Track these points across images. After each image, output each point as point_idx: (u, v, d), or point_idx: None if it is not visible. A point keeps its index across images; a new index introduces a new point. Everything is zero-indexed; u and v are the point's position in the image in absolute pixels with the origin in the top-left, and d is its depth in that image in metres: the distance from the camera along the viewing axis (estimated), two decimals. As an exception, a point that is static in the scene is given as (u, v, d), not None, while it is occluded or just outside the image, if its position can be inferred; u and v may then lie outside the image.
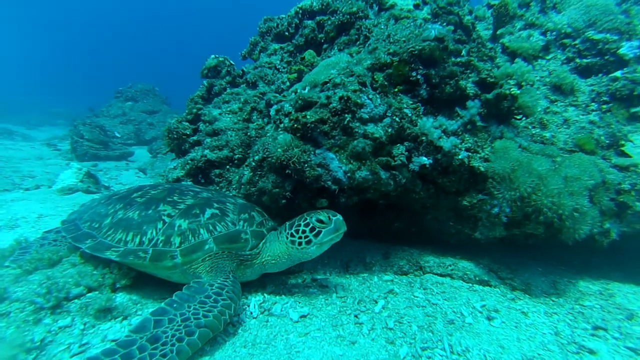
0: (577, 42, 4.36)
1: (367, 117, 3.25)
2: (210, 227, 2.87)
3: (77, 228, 3.12)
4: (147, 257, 2.68)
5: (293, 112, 3.41)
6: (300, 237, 2.86)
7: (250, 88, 5.30)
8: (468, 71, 3.79)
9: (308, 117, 3.23)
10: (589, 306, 3.34)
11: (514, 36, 4.42)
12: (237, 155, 4.22)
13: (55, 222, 4.84)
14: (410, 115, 3.44)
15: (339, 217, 2.89)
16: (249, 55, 6.20)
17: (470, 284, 3.52)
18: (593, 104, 4.02)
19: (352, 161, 3.19)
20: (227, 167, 4.22)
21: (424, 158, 3.36)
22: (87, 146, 10.23)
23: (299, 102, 3.36)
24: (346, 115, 3.21)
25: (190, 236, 2.80)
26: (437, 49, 3.48)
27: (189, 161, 4.36)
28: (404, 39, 3.63)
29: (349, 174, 3.16)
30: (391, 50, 3.57)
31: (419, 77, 3.53)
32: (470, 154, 3.45)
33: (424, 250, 4.02)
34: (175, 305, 2.40)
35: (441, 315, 2.91)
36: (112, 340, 2.37)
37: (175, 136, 4.69)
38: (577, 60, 4.32)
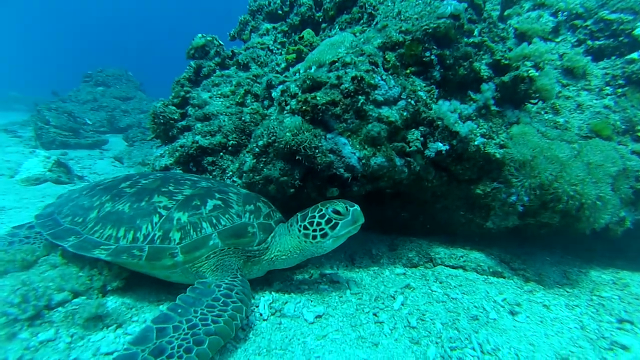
0: (589, 22, 4.22)
1: (382, 99, 3.00)
2: (214, 220, 2.55)
3: (56, 223, 2.73)
4: (143, 256, 2.34)
5: (300, 94, 3.11)
6: (315, 230, 2.59)
7: (241, 70, 4.94)
8: (481, 52, 3.59)
9: (318, 98, 2.94)
10: (607, 297, 3.25)
11: (522, 17, 4.25)
12: (232, 142, 3.89)
13: (21, 215, 4.36)
14: (425, 98, 3.21)
15: (357, 207, 2.64)
16: (238, 35, 5.81)
17: (485, 276, 3.36)
18: (607, 87, 3.90)
19: (366, 147, 2.94)
20: (221, 154, 3.89)
21: (440, 144, 3.15)
22: (54, 133, 9.48)
23: (307, 82, 3.06)
24: (360, 97, 2.94)
25: (191, 231, 2.48)
26: (453, 27, 3.25)
27: (179, 148, 3.99)
28: (416, 16, 3.38)
29: (363, 161, 2.91)
30: (403, 28, 3.31)
31: (432, 57, 3.29)
32: (485, 140, 3.26)
33: (432, 241, 3.84)
34: (180, 310, 2.09)
35: (463, 311, 2.73)
36: (107, 354, 2.03)
37: (161, 121, 4.28)
38: (589, 42, 4.18)
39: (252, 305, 2.61)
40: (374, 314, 2.62)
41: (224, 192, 2.81)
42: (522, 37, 4.19)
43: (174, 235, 2.44)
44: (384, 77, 3.08)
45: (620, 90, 3.91)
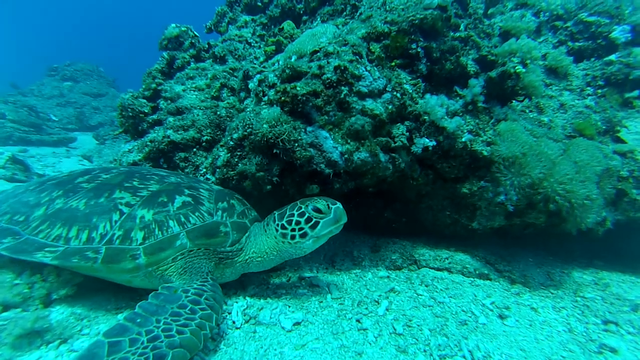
0: (569, 24, 4.22)
1: (366, 90, 2.83)
2: (182, 219, 2.31)
3: (-13, 222, 2.37)
4: (99, 258, 2.07)
5: (279, 84, 2.90)
6: (293, 230, 2.38)
7: (218, 63, 4.69)
8: (467, 47, 3.48)
9: (298, 88, 2.74)
10: (591, 298, 3.18)
11: (505, 15, 4.20)
12: (206, 137, 3.64)
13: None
14: (411, 91, 3.06)
15: (339, 205, 2.45)
16: (215, 27, 5.55)
17: (472, 279, 3.23)
18: (588, 88, 3.88)
19: (349, 141, 2.76)
20: (194, 150, 3.64)
21: (427, 140, 3.00)
22: (11, 128, 8.83)
23: (287, 71, 2.86)
24: (342, 87, 2.77)
25: (156, 230, 2.22)
26: (440, 19, 3.13)
27: (148, 143, 3.71)
28: (402, 6, 3.24)
29: (346, 156, 2.73)
30: (389, 19, 3.16)
31: (419, 50, 3.15)
32: (472, 136, 3.14)
33: (416, 243, 3.69)
34: (139, 320, 1.83)
35: (451, 316, 2.58)
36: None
37: (130, 114, 3.98)
38: (569, 43, 4.18)
39: (224, 312, 2.38)
40: (357, 320, 2.43)
41: (195, 188, 2.57)
42: (506, 35, 4.12)
43: (136, 234, 2.18)
44: (368, 68, 2.91)
45: (600, 91, 3.90)
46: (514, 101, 3.48)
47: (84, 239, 2.13)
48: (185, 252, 2.27)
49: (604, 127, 3.63)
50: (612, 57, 3.97)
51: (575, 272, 3.81)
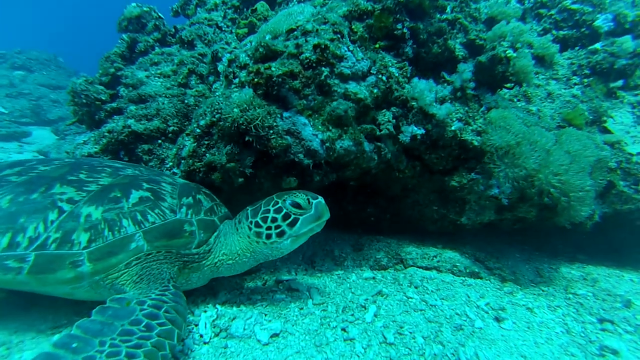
0: (553, 12, 4.10)
1: (349, 72, 2.55)
2: (139, 217, 1.96)
3: None
4: (25, 268, 1.70)
5: (251, 64, 2.58)
6: (269, 228, 2.08)
7: (185, 48, 4.29)
8: (454, 31, 3.26)
9: (273, 69, 2.43)
10: (583, 295, 3.04)
11: (490, 2, 4.02)
12: (172, 128, 3.29)
13: None
14: (397, 75, 2.81)
15: (321, 200, 2.17)
16: (182, 10, 5.12)
17: (463, 278, 3.03)
18: (575, 77, 3.76)
19: (330, 128, 2.48)
20: (159, 141, 3.27)
21: (415, 127, 2.76)
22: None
23: (260, 50, 2.55)
24: (323, 68, 2.48)
25: (106, 230, 1.87)
26: (427, -3, 2.89)
27: (106, 134, 3.31)
28: (386, -17, 2.97)
29: (327, 144, 2.45)
30: (372, -4, 2.89)
31: (405, 30, 2.90)
32: (462, 125, 2.93)
33: (401, 240, 3.46)
34: (75, 344, 1.47)
35: (446, 320, 2.35)
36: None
37: (84, 101, 3.56)
38: (554, 32, 4.05)
39: (189, 323, 2.05)
40: (343, 329, 2.15)
41: (155, 181, 2.22)
42: (492, 22, 3.94)
43: (79, 236, 1.81)
44: (351, 48, 2.64)
45: (586, 80, 3.79)
46: (503, 89, 3.30)
47: (3, 245, 1.74)
48: (141, 256, 1.93)
49: (590, 117, 3.51)
50: (597, 45, 3.87)
51: (563, 267, 3.69)
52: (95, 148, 3.37)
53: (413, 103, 2.75)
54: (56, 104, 11.58)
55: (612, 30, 4.00)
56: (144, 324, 1.62)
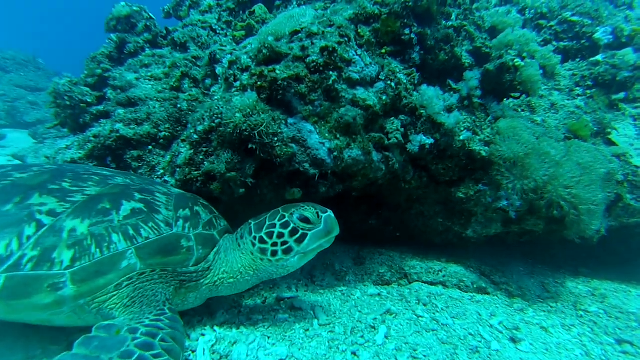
0: (553, 23, 4.09)
1: (358, 77, 2.42)
2: (131, 231, 1.76)
3: None
4: None
5: (254, 66, 2.42)
6: (275, 244, 1.91)
7: (178, 51, 4.09)
8: (460, 38, 3.18)
9: (278, 72, 2.28)
10: (594, 312, 2.95)
11: (491, 11, 3.98)
12: (164, 133, 3.08)
13: None
14: (405, 82, 2.69)
15: (330, 214, 2.01)
16: (174, 12, 4.92)
17: (471, 294, 2.90)
18: (578, 88, 3.73)
19: (338, 136, 2.33)
20: (150, 147, 3.06)
21: (423, 137, 2.64)
22: None
23: (264, 52, 2.39)
24: (331, 72, 2.34)
25: (93, 247, 1.66)
26: (436, 2, 2.80)
27: (92, 138, 3.09)
28: (393, -13, 2.87)
29: (335, 153, 2.29)
30: (379, 0, 2.78)
31: (412, 36, 2.79)
32: (471, 134, 2.82)
33: (404, 253, 3.31)
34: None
35: (460, 341, 2.20)
36: None
37: (68, 103, 3.32)
38: (554, 43, 4.04)
39: (186, 349, 1.85)
40: (353, 353, 1.98)
41: (149, 191, 2.02)
42: (493, 31, 3.89)
43: (61, 254, 1.60)
44: (358, 52, 2.51)
45: (589, 91, 3.76)
46: (509, 98, 3.22)
47: None
48: (134, 276, 1.72)
49: (595, 129, 3.46)
50: (599, 57, 3.86)
51: (569, 282, 3.61)
52: (80, 153, 3.14)
53: (422, 111, 2.63)
54: (34, 106, 11.05)
55: (610, 42, 4.01)
56: (136, 356, 1.42)
